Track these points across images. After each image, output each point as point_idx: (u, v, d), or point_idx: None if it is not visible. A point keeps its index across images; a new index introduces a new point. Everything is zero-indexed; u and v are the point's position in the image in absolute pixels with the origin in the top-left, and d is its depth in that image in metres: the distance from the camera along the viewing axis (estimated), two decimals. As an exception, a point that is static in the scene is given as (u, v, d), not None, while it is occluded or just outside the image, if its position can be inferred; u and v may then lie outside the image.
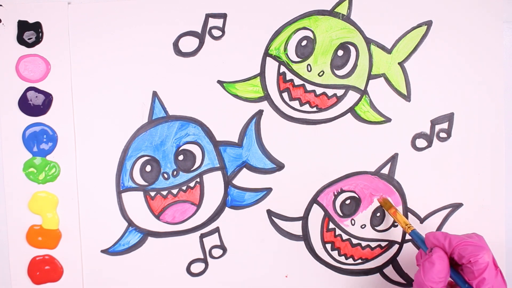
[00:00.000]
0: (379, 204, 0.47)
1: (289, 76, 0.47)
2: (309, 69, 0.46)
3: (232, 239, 0.48)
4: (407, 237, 0.47)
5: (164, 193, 0.48)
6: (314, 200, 0.48)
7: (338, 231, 0.48)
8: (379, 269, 0.48)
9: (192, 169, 0.48)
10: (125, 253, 0.49)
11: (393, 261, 0.48)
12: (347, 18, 0.46)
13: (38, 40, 0.47)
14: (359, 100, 0.46)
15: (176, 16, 0.47)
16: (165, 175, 0.48)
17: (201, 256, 0.49)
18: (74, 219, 0.48)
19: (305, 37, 0.46)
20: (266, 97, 0.47)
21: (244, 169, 0.48)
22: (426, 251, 0.39)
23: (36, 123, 0.48)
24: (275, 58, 0.47)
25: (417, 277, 0.38)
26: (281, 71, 0.47)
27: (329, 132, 0.47)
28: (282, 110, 0.47)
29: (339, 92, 0.46)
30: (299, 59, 0.46)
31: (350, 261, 0.48)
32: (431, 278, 0.36)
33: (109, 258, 0.49)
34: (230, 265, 0.48)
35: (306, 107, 0.47)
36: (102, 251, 0.49)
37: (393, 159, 0.47)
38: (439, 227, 0.47)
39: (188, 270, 0.49)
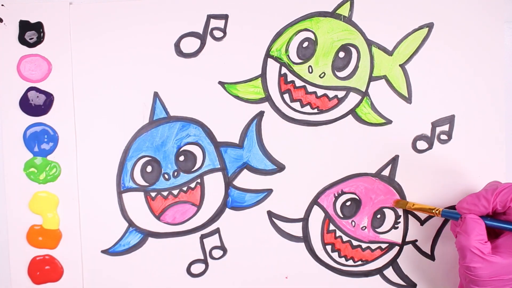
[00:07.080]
0: (379, 207, 0.47)
1: (290, 77, 0.47)
2: (310, 71, 0.46)
3: (233, 240, 0.48)
4: (407, 238, 0.47)
5: (165, 193, 0.48)
6: (315, 202, 0.48)
7: (338, 233, 0.48)
8: (379, 271, 0.48)
9: (192, 170, 0.48)
10: (126, 254, 0.49)
11: (393, 263, 0.48)
12: (348, 20, 0.46)
13: (40, 40, 0.47)
14: (360, 101, 0.46)
15: (178, 17, 0.47)
16: (166, 176, 0.48)
17: (202, 257, 0.49)
18: (75, 219, 0.48)
19: (306, 39, 0.46)
20: (267, 98, 0.47)
21: (245, 170, 0.47)
22: (458, 219, 0.41)
23: (37, 123, 0.48)
24: (277, 59, 0.47)
25: (458, 243, 0.39)
26: (282, 73, 0.47)
27: (330, 133, 0.47)
28: (283, 111, 0.47)
29: (340, 94, 0.46)
30: (301, 61, 0.46)
31: (350, 262, 0.48)
32: (473, 238, 0.38)
33: (109, 259, 0.49)
34: (230, 266, 0.48)
35: (307, 109, 0.47)
36: (103, 252, 0.49)
37: (394, 161, 0.47)
38: (439, 230, 0.47)
39: (188, 271, 0.49)
